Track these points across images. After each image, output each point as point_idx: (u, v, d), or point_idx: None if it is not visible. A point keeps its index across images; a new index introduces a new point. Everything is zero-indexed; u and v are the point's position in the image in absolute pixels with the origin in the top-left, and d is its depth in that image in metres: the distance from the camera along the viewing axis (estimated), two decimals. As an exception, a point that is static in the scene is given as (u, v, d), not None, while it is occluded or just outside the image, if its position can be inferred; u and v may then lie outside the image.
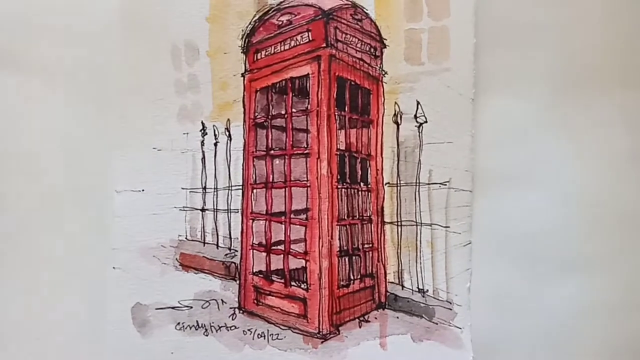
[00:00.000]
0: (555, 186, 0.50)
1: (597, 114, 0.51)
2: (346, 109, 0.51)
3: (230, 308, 0.51)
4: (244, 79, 0.52)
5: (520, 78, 0.51)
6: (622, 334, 0.50)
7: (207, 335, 0.50)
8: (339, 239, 0.51)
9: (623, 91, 0.51)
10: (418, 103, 0.50)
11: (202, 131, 0.51)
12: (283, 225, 0.52)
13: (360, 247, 0.52)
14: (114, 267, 0.50)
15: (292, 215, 0.51)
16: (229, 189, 0.52)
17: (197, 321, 0.50)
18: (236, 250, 0.52)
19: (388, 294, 0.51)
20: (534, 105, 0.51)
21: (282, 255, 0.52)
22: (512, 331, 0.50)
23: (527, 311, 0.50)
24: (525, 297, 0.50)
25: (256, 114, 0.52)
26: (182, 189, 0.51)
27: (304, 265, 0.51)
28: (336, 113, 0.50)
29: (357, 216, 0.52)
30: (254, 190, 0.52)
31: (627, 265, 0.50)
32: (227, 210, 0.52)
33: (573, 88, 0.51)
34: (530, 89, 0.51)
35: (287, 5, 0.51)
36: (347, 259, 0.52)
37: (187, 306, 0.50)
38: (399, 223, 0.51)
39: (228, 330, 0.50)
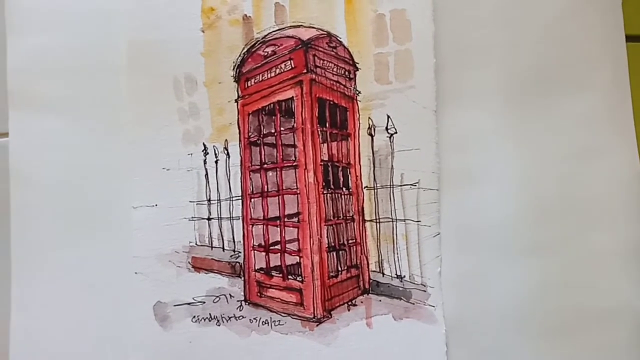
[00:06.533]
0: (511, 183, 0.54)
1: (543, 119, 0.55)
2: (327, 125, 0.55)
3: (238, 301, 0.54)
4: (237, 104, 0.55)
5: (476, 91, 0.55)
6: (571, 306, 0.54)
7: (219, 325, 0.54)
8: (327, 237, 0.54)
9: (564, 99, 0.55)
10: (388, 117, 0.54)
11: (204, 151, 0.55)
12: (278, 228, 0.56)
13: (346, 242, 0.56)
14: (135, 273, 0.54)
15: (285, 219, 0.55)
16: (230, 200, 0.56)
17: (210, 314, 0.54)
18: (240, 252, 0.56)
19: (371, 281, 0.55)
20: (489, 114, 0.55)
21: (279, 254, 0.56)
22: (478, 307, 0.54)
23: (490, 289, 0.54)
24: (488, 278, 0.54)
25: (250, 133, 0.56)
26: (190, 202, 0.55)
27: (298, 261, 0.54)
28: (318, 129, 0.54)
29: (342, 216, 0.56)
30: (252, 200, 0.56)
31: (571, 247, 0.55)
32: (230, 218, 0.56)
33: (522, 98, 0.55)
34: (485, 100, 0.55)
35: (271, 38, 0.55)
36: (334, 254, 0.55)
37: (200, 302, 0.54)
38: (378, 220, 0.54)
39: (237, 320, 0.54)
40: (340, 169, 0.56)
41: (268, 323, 0.54)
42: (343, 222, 0.56)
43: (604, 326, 0.55)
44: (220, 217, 0.56)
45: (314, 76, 0.54)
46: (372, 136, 0.55)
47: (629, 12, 0.57)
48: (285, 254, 0.56)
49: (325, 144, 0.55)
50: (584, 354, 0.55)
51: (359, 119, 0.55)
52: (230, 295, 0.55)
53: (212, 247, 0.55)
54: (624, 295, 0.55)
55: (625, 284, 0.55)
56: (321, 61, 0.55)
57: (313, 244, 0.54)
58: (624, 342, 0.55)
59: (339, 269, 0.55)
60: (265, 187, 0.56)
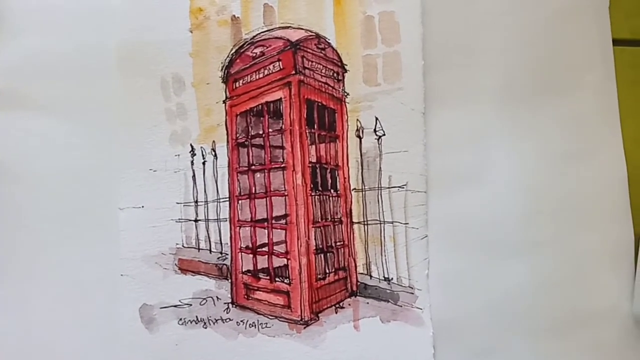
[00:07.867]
0: (499, 184, 0.55)
1: (532, 121, 0.55)
2: (315, 126, 0.55)
3: (225, 303, 0.54)
4: (225, 105, 0.55)
5: (464, 93, 0.55)
6: (560, 307, 0.54)
7: (205, 328, 0.54)
8: (315, 239, 0.54)
9: (553, 99, 0.56)
10: (377, 119, 0.54)
11: (192, 152, 0.55)
12: (266, 230, 0.55)
13: (333, 244, 0.56)
14: (122, 274, 0.54)
15: (273, 221, 0.55)
16: (217, 201, 0.56)
17: (196, 316, 0.54)
18: (227, 254, 0.56)
19: (359, 283, 0.55)
20: (477, 115, 0.55)
21: (266, 256, 0.56)
22: (465, 309, 0.54)
23: (478, 292, 0.54)
24: (476, 280, 0.54)
25: (237, 135, 0.56)
26: (177, 203, 0.55)
27: (286, 263, 0.54)
28: (307, 131, 0.54)
29: (329, 218, 0.56)
30: (239, 201, 0.56)
31: (560, 249, 0.55)
32: (217, 219, 0.56)
33: (510, 100, 0.55)
34: (474, 101, 0.55)
35: (259, 39, 0.55)
36: (322, 256, 0.55)
37: (187, 304, 0.54)
38: (365, 222, 0.55)
39: (224, 322, 0.54)
40: (328, 170, 0.56)
41: (255, 325, 0.54)
42: (331, 224, 0.56)
43: (593, 326, 0.55)
44: (208, 219, 0.56)
45: (302, 77, 0.54)
46: (360, 138, 0.55)
47: (615, 16, 0.58)
48: (273, 256, 0.56)
49: (314, 146, 0.55)
50: (573, 354, 0.55)
51: (347, 120, 0.55)
52: (217, 298, 0.55)
53: (199, 249, 0.55)
54: (612, 295, 0.55)
55: (613, 284, 0.56)
56: (310, 62, 0.55)
57: (301, 246, 0.54)
58: (612, 342, 0.55)
59: (327, 271, 0.55)
60: (253, 188, 0.56)
